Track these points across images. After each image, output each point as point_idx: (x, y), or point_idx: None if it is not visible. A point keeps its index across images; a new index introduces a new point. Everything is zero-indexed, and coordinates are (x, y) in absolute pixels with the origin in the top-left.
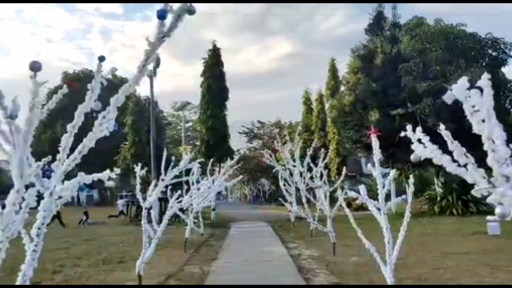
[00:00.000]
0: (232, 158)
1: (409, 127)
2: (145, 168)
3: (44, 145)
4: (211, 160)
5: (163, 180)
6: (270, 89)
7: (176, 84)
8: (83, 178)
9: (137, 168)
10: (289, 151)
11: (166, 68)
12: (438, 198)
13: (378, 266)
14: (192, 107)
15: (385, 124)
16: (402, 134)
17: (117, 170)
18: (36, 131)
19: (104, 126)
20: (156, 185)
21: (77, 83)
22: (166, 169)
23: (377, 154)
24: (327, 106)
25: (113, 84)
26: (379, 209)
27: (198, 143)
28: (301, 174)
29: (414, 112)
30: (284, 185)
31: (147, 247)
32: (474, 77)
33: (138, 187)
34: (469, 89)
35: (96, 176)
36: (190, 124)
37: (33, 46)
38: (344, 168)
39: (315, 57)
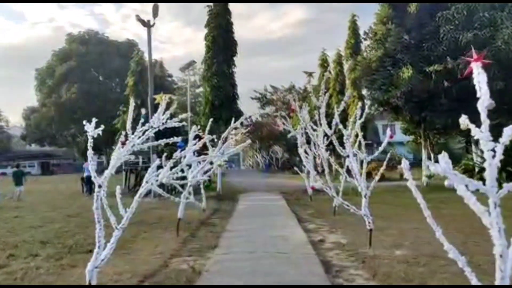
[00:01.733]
0: (241, 122)
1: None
2: None
3: (49, 109)
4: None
5: (123, 144)
6: (284, 56)
7: (188, 50)
8: None
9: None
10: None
11: (178, 35)
12: (477, 169)
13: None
14: (200, 69)
15: (419, 83)
16: None
17: None
18: (42, 95)
19: None
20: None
21: (81, 45)
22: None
23: (484, 96)
24: (346, 67)
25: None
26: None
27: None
28: (326, 137)
29: (454, 68)
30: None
31: (101, 244)
32: None
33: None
34: None
35: None
36: (201, 90)
37: (46, 12)
38: (388, 130)
39: (330, 23)
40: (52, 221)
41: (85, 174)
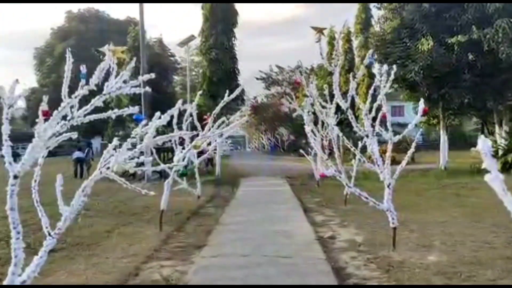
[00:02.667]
0: (242, 100)
1: None
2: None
3: (49, 89)
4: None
5: (46, 115)
6: (289, 37)
7: (195, 32)
8: None
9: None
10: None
11: (185, 16)
12: (501, 152)
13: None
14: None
15: (439, 56)
16: None
17: None
18: (41, 75)
19: None
20: None
21: (81, 23)
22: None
23: None
24: (356, 43)
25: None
26: None
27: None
28: (340, 112)
29: (480, 39)
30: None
31: (19, 259)
32: None
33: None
34: None
35: None
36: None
37: None
38: (421, 102)
39: (336, 4)
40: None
41: (75, 156)
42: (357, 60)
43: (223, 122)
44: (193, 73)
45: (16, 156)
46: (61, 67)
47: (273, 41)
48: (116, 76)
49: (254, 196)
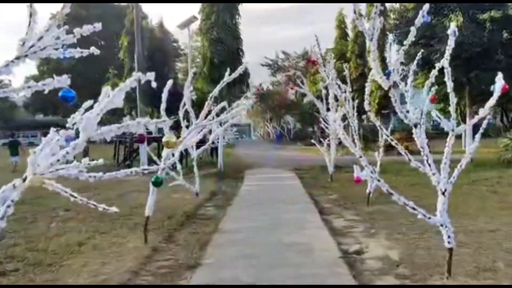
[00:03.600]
0: (247, 85)
1: None
2: None
3: (49, 76)
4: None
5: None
6: (295, 25)
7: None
8: None
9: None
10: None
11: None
12: None
13: None
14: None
15: (469, 34)
16: None
17: None
18: (40, 61)
19: None
20: None
21: (81, 8)
22: None
23: None
24: (368, 26)
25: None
26: None
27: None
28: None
29: None
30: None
31: None
32: None
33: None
34: None
35: None
36: None
37: None
38: (499, 77)
39: None
40: None
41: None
42: (368, 44)
43: (223, 108)
44: (197, 60)
45: (17, 144)
46: None
47: (278, 29)
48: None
49: (260, 193)
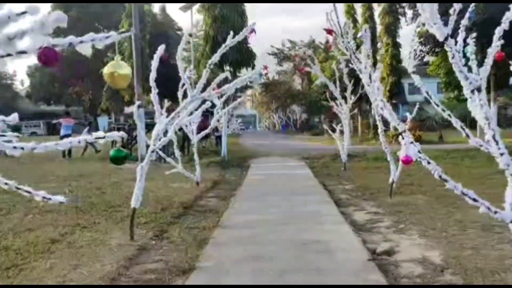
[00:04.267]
0: (252, 66)
1: None
2: None
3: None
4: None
5: None
6: (302, 16)
7: None
8: None
9: None
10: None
11: None
12: None
13: None
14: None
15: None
16: None
17: None
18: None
19: None
20: None
21: None
22: None
23: None
24: (379, 10)
25: None
26: None
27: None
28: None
29: None
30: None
31: None
32: None
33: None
34: None
35: None
36: None
37: None
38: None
39: None
40: None
41: (62, 133)
42: (379, 28)
43: (226, 80)
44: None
45: (17, 131)
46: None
47: (285, 20)
48: None
49: (268, 182)
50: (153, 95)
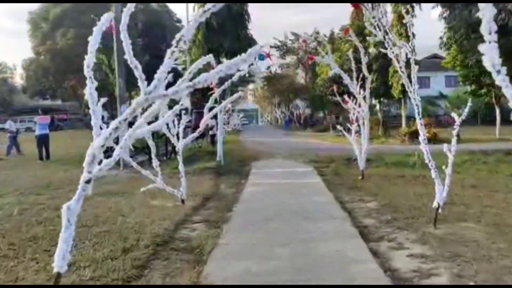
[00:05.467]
0: (254, 57)
1: None
2: None
3: (45, 58)
4: None
5: None
6: (305, 9)
7: None
8: None
9: None
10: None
11: None
12: None
13: None
14: None
15: None
16: None
17: None
18: (36, 42)
19: None
20: None
21: None
22: None
23: None
24: None
25: None
26: None
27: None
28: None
29: None
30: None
31: None
32: None
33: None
34: None
35: None
36: None
37: None
38: None
39: None
40: None
41: (38, 132)
42: (392, 16)
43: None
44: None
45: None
46: (57, 33)
47: (288, 14)
48: None
49: (271, 197)
50: (89, 91)
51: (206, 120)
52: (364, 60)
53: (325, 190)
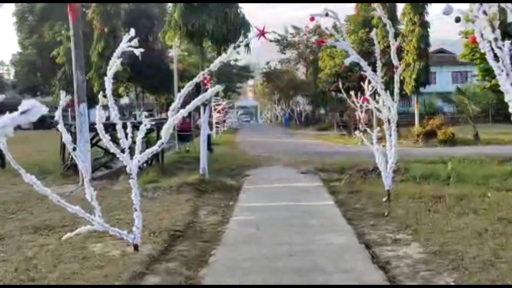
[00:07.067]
0: (245, 34)
1: None
2: None
3: (31, 52)
4: None
5: None
6: (305, 5)
7: None
8: None
9: None
10: None
11: None
12: None
13: None
14: None
15: None
16: None
17: None
18: (22, 36)
19: None
20: None
21: None
22: None
23: None
24: None
25: None
26: None
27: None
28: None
29: None
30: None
31: None
32: None
33: None
34: None
35: None
36: None
37: None
38: None
39: None
40: None
41: None
42: (402, 5)
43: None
44: None
45: None
46: (42, 26)
47: (289, 9)
48: None
49: (267, 236)
50: None
51: (185, 112)
52: (393, 43)
53: (342, 222)
